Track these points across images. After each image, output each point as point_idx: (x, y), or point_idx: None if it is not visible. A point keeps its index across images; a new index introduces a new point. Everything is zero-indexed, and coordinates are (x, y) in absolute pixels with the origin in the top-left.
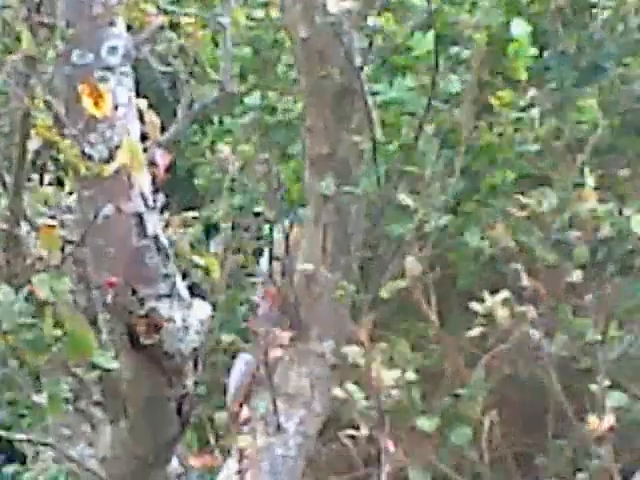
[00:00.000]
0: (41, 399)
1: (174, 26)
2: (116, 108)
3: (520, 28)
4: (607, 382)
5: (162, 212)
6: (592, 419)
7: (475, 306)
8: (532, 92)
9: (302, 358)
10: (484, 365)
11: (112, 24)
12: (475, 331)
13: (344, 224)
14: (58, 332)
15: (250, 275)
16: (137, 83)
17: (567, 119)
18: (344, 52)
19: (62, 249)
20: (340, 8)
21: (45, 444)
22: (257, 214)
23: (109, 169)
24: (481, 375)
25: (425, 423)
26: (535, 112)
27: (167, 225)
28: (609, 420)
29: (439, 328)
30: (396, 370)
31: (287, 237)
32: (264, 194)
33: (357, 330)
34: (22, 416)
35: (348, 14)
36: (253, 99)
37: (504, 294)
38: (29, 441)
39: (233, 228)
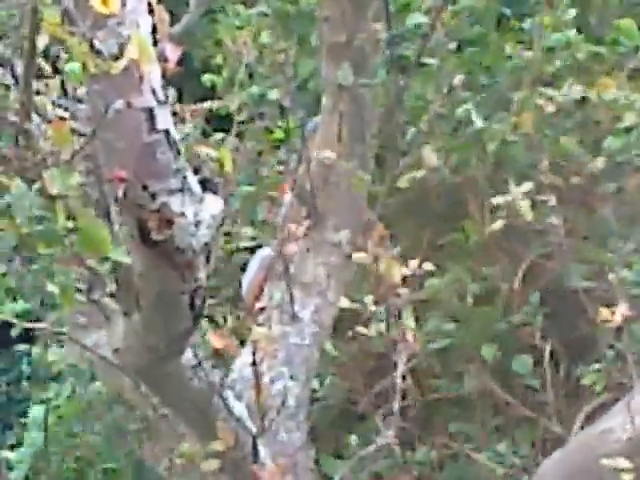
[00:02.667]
0: (55, 289)
1: None
2: (125, 3)
3: None
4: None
5: (174, 104)
6: (604, 311)
7: (497, 200)
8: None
9: (318, 247)
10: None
11: None
12: (498, 224)
13: (360, 113)
14: (70, 225)
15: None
16: None
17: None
18: None
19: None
20: None
21: (61, 333)
22: (272, 103)
23: (118, 66)
24: (536, 301)
25: (486, 350)
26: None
27: (177, 116)
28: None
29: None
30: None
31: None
32: (280, 83)
33: (372, 220)
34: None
35: None
36: None
37: (527, 185)
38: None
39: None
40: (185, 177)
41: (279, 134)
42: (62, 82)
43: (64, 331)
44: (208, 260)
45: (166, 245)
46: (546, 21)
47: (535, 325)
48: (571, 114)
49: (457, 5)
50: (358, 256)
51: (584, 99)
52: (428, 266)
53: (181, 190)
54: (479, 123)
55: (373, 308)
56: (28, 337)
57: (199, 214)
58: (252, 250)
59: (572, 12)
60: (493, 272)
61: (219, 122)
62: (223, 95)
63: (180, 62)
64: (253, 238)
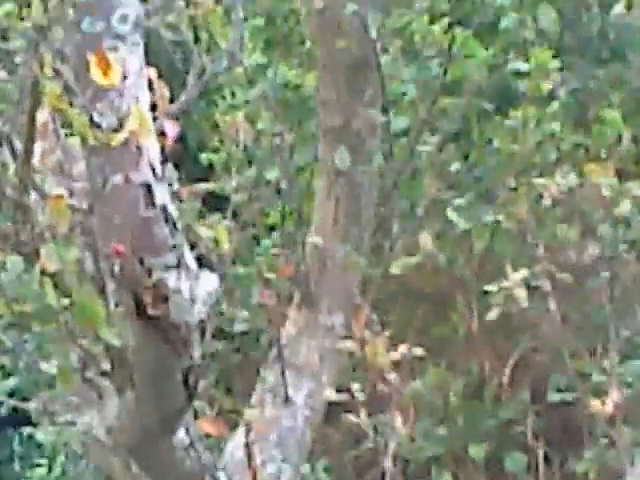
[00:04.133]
0: (49, 367)
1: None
2: (126, 77)
3: (547, 15)
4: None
5: (172, 184)
6: (594, 401)
7: (490, 287)
8: (554, 106)
9: (311, 331)
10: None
11: None
12: (493, 313)
13: (356, 196)
14: (65, 301)
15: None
16: (147, 52)
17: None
18: (359, 24)
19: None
20: None
21: (53, 413)
22: (268, 184)
23: (118, 138)
24: (526, 398)
25: (474, 449)
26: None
27: (175, 195)
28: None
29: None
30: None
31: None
32: (277, 166)
33: (361, 304)
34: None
35: None
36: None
37: (522, 273)
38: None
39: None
40: (182, 253)
41: (275, 216)
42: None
43: (56, 411)
44: (203, 337)
45: (161, 321)
46: (530, 114)
47: (526, 422)
48: (564, 203)
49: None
50: (344, 344)
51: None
52: (418, 351)
53: (177, 266)
54: (461, 225)
55: (361, 397)
56: (20, 416)
57: (195, 291)
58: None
59: (555, 105)
60: (479, 367)
61: (216, 202)
62: (221, 175)
63: (178, 140)
64: (246, 320)
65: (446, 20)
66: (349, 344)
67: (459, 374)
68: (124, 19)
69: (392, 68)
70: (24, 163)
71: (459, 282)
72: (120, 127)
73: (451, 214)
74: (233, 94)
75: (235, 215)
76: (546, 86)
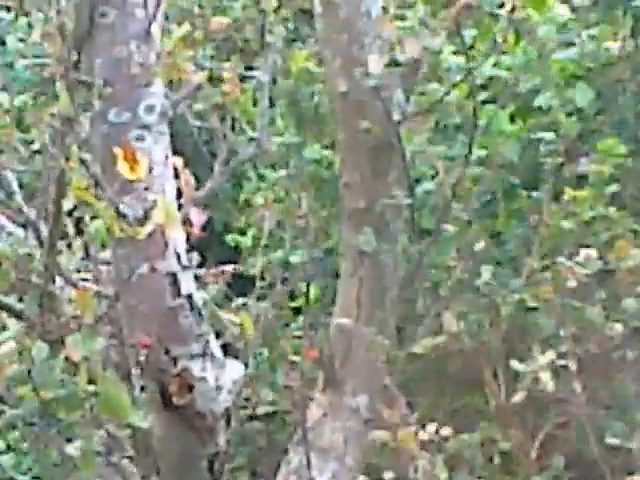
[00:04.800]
0: (73, 450)
1: (211, 82)
2: (152, 168)
3: (584, 95)
4: None
5: (198, 267)
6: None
7: (517, 365)
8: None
9: (336, 412)
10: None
11: (149, 83)
12: (519, 396)
13: (380, 278)
14: (91, 388)
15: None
16: (173, 137)
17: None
18: (382, 107)
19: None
20: (381, 69)
21: None
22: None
23: (144, 231)
24: (560, 465)
25: None
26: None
27: (199, 279)
28: None
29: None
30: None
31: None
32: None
33: (389, 386)
34: (55, 465)
35: (388, 74)
36: (308, 152)
37: (549, 355)
38: None
39: (270, 285)
40: (207, 342)
41: (301, 299)
42: (85, 244)
43: None
44: (229, 425)
45: (187, 409)
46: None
47: None
48: (591, 285)
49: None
50: (378, 434)
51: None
52: (446, 431)
53: (203, 355)
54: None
55: None
56: None
57: (220, 379)
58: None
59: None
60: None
61: (242, 285)
62: (247, 257)
63: (204, 226)
64: (272, 403)
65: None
66: (380, 433)
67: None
68: (150, 109)
69: (420, 145)
70: (50, 251)
71: (485, 359)
72: (146, 218)
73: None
74: (259, 175)
75: (261, 297)
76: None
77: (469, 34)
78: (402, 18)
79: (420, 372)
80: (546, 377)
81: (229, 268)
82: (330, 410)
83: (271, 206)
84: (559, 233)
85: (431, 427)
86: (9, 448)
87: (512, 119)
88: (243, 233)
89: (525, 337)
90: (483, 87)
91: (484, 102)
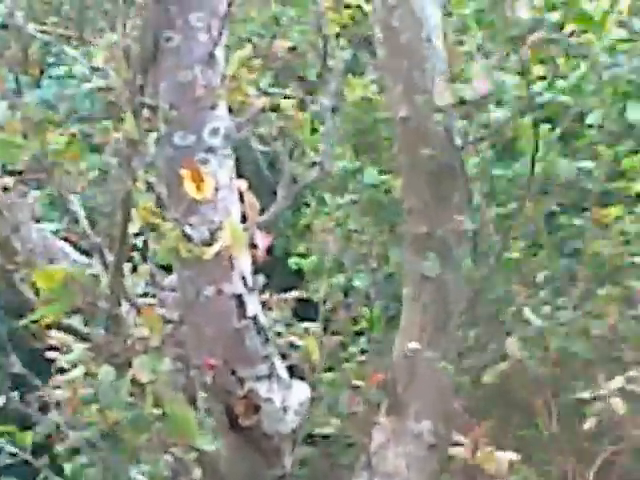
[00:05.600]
0: (139, 474)
1: (275, 107)
2: (217, 190)
3: (636, 111)
4: None
5: (262, 292)
6: None
7: (584, 394)
8: None
9: (399, 437)
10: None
11: (214, 107)
12: (589, 423)
13: (443, 303)
14: (157, 411)
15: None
16: (237, 162)
17: None
18: (444, 132)
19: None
20: (447, 101)
21: None
22: (354, 291)
23: (210, 252)
24: None
25: None
26: None
27: (265, 304)
28: None
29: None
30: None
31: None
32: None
33: (457, 410)
34: None
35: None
36: (367, 177)
37: (619, 380)
38: None
39: (333, 309)
40: (273, 363)
41: (363, 323)
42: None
43: None
44: (295, 446)
45: (253, 431)
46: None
47: None
48: None
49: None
50: (455, 450)
51: None
52: (512, 456)
53: (269, 376)
54: (537, 322)
55: None
56: None
57: (287, 400)
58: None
59: None
60: (561, 469)
61: (305, 309)
62: (310, 282)
63: (269, 250)
64: (334, 426)
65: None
66: (457, 449)
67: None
68: (215, 132)
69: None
70: (116, 275)
71: (542, 384)
72: (212, 240)
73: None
74: (320, 200)
75: (324, 322)
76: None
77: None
78: (460, 43)
79: (485, 396)
80: (617, 402)
81: (293, 294)
82: (393, 435)
83: (332, 231)
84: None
85: (498, 454)
86: (75, 472)
87: (561, 138)
88: (304, 257)
89: (573, 364)
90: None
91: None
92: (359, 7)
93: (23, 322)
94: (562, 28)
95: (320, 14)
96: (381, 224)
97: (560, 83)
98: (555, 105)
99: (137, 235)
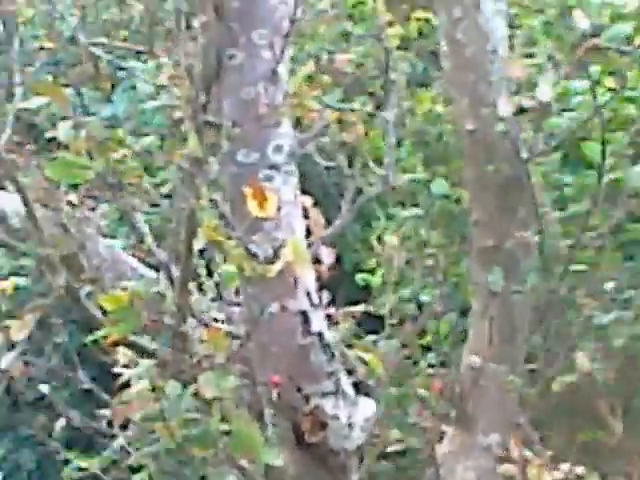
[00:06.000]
0: None
1: (339, 122)
2: (281, 207)
3: None
4: None
5: (328, 306)
6: None
7: None
8: None
9: (468, 451)
10: None
11: (277, 124)
12: None
13: (511, 316)
14: (224, 427)
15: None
16: (301, 178)
17: None
18: (511, 144)
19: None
20: (510, 110)
21: None
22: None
23: (274, 269)
24: None
25: None
26: None
27: (330, 318)
28: None
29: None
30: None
31: None
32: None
33: (522, 424)
34: None
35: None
36: (437, 187)
37: None
38: None
39: (400, 323)
40: (338, 379)
41: (430, 337)
42: (217, 284)
43: None
44: (361, 462)
45: (319, 447)
46: None
47: None
48: None
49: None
50: (504, 468)
51: None
52: (579, 470)
53: (335, 392)
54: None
55: None
56: None
57: (352, 417)
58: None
59: None
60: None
61: (371, 323)
62: (377, 296)
63: (334, 265)
64: (402, 440)
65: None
66: (508, 467)
67: None
68: (279, 149)
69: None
70: (182, 291)
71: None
72: (276, 257)
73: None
74: (388, 214)
75: (391, 335)
76: None
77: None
78: (528, 55)
79: (552, 409)
80: None
81: (359, 308)
82: (462, 448)
83: (400, 244)
84: None
85: (564, 466)
86: None
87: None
88: (372, 272)
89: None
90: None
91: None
92: (427, 20)
93: (91, 339)
94: (632, 40)
95: (381, 27)
96: (452, 235)
97: (629, 93)
98: (623, 116)
99: (202, 252)
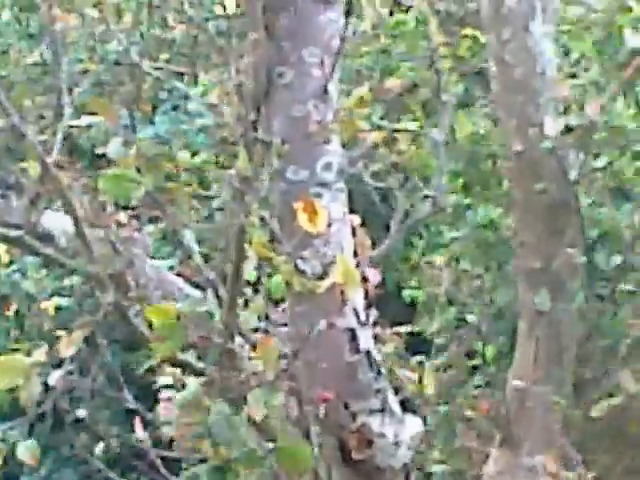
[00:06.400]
0: None
1: (386, 142)
2: (330, 224)
3: None
4: None
5: (374, 325)
6: None
7: None
8: None
9: (513, 471)
10: None
11: (327, 141)
12: None
13: (557, 337)
14: (271, 445)
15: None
16: (349, 196)
17: None
18: (558, 166)
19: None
20: (557, 129)
21: None
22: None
23: (322, 286)
24: None
25: None
26: None
27: (377, 337)
28: None
29: None
30: None
31: None
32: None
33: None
34: None
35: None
36: (478, 215)
37: None
38: None
39: (446, 343)
40: (386, 397)
41: (477, 358)
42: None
43: None
44: None
45: (366, 465)
46: None
47: None
48: None
49: None
50: None
51: None
52: None
53: (382, 410)
54: None
55: None
56: None
57: (399, 434)
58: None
59: None
60: None
61: (418, 343)
62: (422, 316)
63: (380, 285)
64: (442, 462)
65: None
66: None
67: None
68: (328, 167)
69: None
70: (230, 310)
71: None
72: (324, 273)
73: None
74: (432, 234)
75: (437, 356)
76: None
77: None
78: (574, 76)
79: (597, 431)
80: None
81: (406, 328)
82: (507, 469)
83: (445, 265)
84: None
85: None
86: None
87: None
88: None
89: None
90: None
91: None
92: (475, 38)
93: (136, 357)
94: None
95: (433, 49)
96: (489, 262)
97: None
98: None
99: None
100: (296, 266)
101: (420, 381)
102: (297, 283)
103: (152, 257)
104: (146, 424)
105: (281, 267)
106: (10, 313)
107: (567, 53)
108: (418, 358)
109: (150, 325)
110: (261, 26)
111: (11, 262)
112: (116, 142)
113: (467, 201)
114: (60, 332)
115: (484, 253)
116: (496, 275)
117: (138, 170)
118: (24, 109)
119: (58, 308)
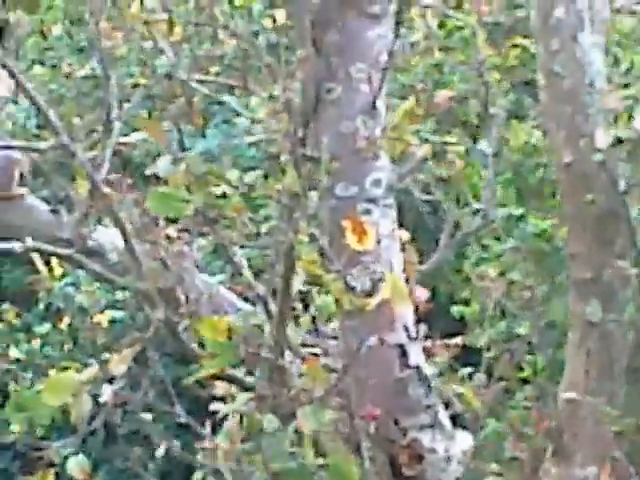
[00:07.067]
0: None
1: (435, 155)
2: (379, 240)
3: None
4: None
5: (425, 339)
6: None
7: None
8: None
9: None
10: None
11: (376, 157)
12: None
13: (608, 348)
14: (321, 461)
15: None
16: (398, 210)
17: None
18: (608, 177)
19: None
20: (608, 142)
21: None
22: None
23: (372, 303)
24: None
25: None
26: None
27: (426, 351)
28: None
29: None
30: None
31: None
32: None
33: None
34: None
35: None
36: (531, 225)
37: None
38: None
39: (497, 356)
40: (436, 412)
41: (527, 371)
42: (313, 318)
43: None
44: None
45: None
46: None
47: None
48: None
49: None
50: None
51: None
52: None
53: (432, 426)
54: None
55: None
56: None
57: (450, 450)
58: None
59: None
60: None
61: (468, 356)
62: (472, 328)
63: (430, 299)
64: (499, 474)
65: None
66: None
67: None
68: (377, 183)
69: None
70: (279, 325)
71: None
72: (374, 290)
73: None
74: (483, 246)
75: (488, 369)
76: None
77: None
78: (626, 86)
79: None
80: None
81: (456, 341)
82: None
83: (496, 277)
84: None
85: None
86: None
87: None
88: (467, 304)
89: None
90: None
91: None
92: (525, 48)
93: (188, 372)
94: None
95: (481, 61)
96: (542, 272)
97: None
98: None
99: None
100: (346, 283)
101: (470, 395)
102: (347, 301)
103: (203, 271)
104: (199, 438)
105: (331, 285)
106: (63, 326)
107: (617, 63)
108: (468, 371)
109: (200, 341)
110: (309, 42)
111: (64, 275)
112: (165, 160)
113: (519, 212)
114: (113, 345)
115: (536, 264)
116: (548, 286)
117: (187, 188)
118: (73, 126)
119: (111, 321)
